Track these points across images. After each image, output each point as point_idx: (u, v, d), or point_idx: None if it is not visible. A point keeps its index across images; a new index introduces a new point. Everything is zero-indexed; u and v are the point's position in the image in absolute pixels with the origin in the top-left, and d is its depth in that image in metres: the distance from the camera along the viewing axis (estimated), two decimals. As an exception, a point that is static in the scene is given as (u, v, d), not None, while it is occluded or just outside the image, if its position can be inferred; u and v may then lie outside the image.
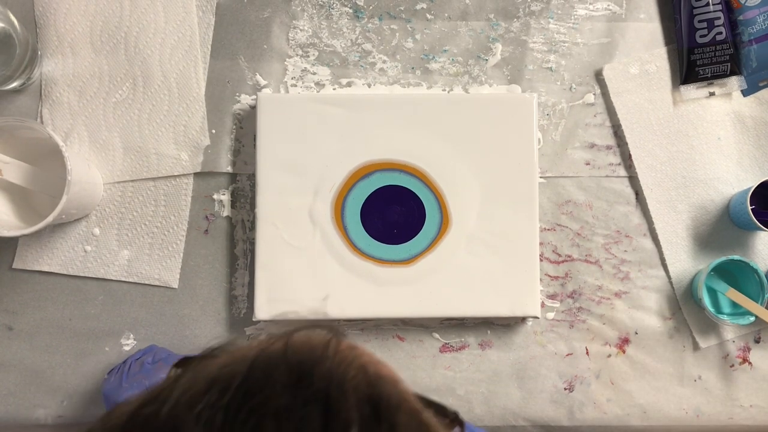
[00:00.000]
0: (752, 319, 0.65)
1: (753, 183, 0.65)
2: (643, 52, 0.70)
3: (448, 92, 0.69)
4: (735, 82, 0.69)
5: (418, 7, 0.70)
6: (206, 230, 0.68)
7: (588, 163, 0.69)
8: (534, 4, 0.70)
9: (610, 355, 0.68)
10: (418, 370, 0.67)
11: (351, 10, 0.69)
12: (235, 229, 0.68)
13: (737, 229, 0.69)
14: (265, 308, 0.64)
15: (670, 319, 0.68)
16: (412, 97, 0.66)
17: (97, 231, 0.67)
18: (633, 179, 0.69)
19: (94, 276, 0.67)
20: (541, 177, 0.69)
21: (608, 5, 0.70)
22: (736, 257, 0.65)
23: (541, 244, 0.67)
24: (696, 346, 0.68)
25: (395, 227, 0.66)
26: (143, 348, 0.65)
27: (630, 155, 0.69)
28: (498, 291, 0.65)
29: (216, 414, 0.24)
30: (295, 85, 0.69)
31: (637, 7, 0.70)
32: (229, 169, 0.68)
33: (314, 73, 0.69)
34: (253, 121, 0.68)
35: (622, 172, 0.69)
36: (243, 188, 0.68)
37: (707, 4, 0.68)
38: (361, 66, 0.69)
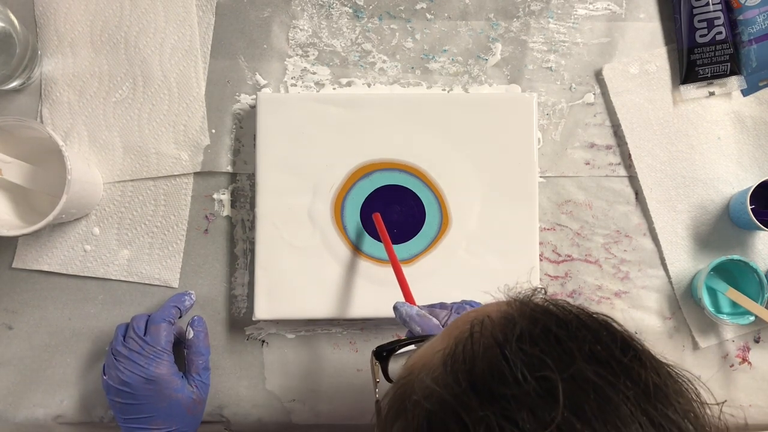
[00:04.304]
0: (752, 318, 0.65)
1: (753, 183, 0.65)
2: (643, 52, 0.70)
3: (448, 92, 0.69)
4: (735, 82, 0.69)
5: (418, 6, 0.70)
6: (206, 230, 0.68)
7: (588, 163, 0.69)
8: (534, 4, 0.70)
9: (610, 355, 0.68)
10: (417, 370, 0.67)
11: (351, 10, 0.69)
12: (234, 229, 0.68)
13: (737, 229, 0.69)
14: (264, 308, 0.64)
15: (670, 318, 0.68)
16: (412, 96, 0.66)
17: (96, 230, 0.67)
18: (633, 179, 0.69)
19: (93, 276, 0.67)
20: (540, 177, 0.69)
21: (608, 5, 0.70)
22: (736, 257, 0.65)
23: (541, 243, 0.67)
24: (696, 346, 0.68)
25: (395, 227, 0.65)
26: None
27: (630, 155, 0.69)
28: (498, 291, 0.65)
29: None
30: (295, 85, 0.69)
31: (637, 6, 0.70)
32: (229, 168, 0.68)
33: (314, 73, 0.69)
34: (253, 121, 0.68)
35: (622, 171, 0.69)
36: (243, 188, 0.68)
37: (707, 4, 0.68)
38: (361, 66, 0.69)
